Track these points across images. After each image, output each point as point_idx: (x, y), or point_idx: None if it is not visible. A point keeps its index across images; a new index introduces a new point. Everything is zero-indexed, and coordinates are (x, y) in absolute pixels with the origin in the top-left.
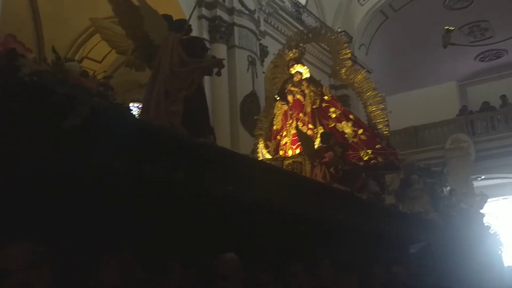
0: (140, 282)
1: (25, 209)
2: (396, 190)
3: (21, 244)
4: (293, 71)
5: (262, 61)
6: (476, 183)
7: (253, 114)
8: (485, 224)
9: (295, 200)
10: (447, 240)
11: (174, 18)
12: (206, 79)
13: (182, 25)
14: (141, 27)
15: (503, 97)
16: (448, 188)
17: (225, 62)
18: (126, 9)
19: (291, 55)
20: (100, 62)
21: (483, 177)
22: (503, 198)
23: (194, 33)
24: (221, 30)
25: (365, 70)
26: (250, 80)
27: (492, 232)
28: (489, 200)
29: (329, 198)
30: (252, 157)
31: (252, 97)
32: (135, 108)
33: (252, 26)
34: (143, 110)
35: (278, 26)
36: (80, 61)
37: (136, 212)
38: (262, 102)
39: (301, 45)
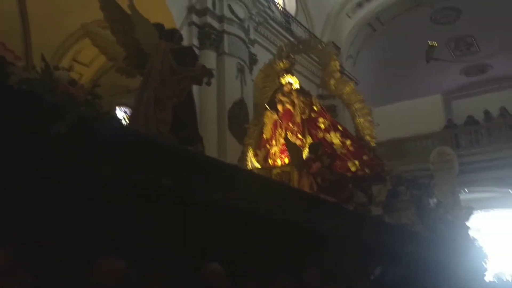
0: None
1: (10, 212)
2: (383, 201)
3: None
4: (283, 81)
5: (251, 69)
6: (461, 196)
7: (241, 122)
8: (471, 237)
9: (281, 209)
10: (434, 253)
11: (165, 25)
12: (195, 85)
13: (173, 34)
14: (132, 34)
15: (486, 112)
16: (435, 200)
17: (214, 69)
18: (118, 17)
19: (281, 65)
20: (88, 66)
21: (466, 190)
22: (485, 211)
23: (184, 39)
24: (211, 38)
25: (352, 81)
26: (239, 87)
27: (477, 244)
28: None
29: (315, 208)
30: (239, 167)
31: (240, 104)
32: (122, 113)
33: (241, 34)
34: (132, 117)
35: (268, 35)
36: (69, 69)
37: (123, 217)
38: (251, 110)
39: (292, 56)
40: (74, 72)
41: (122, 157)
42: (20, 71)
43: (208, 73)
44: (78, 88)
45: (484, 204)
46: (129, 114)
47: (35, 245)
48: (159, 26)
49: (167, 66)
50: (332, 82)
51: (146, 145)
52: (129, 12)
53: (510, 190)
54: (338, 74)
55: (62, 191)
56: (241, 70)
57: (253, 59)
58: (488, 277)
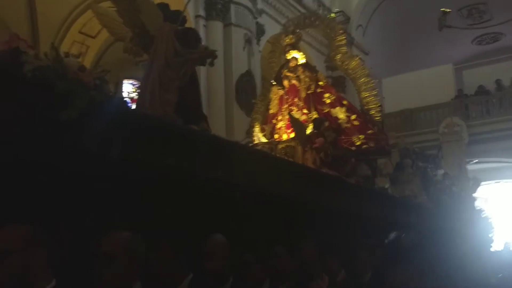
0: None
1: (25, 197)
2: (390, 174)
3: (16, 226)
4: (289, 56)
5: (258, 40)
6: (469, 167)
7: (249, 94)
8: (477, 208)
9: (283, 184)
10: (437, 223)
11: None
12: None
13: (177, 16)
14: (137, 16)
15: (499, 81)
16: (442, 172)
17: (220, 40)
18: None
19: (287, 40)
20: (94, 37)
21: (476, 160)
22: (495, 182)
23: (191, 10)
24: (217, 8)
25: (361, 53)
26: (246, 59)
27: (483, 215)
28: (481, 184)
29: (316, 182)
30: (241, 143)
31: (247, 76)
32: (129, 86)
33: (248, 3)
34: (139, 99)
35: (275, 4)
36: (78, 56)
37: (131, 194)
38: (258, 82)
39: (298, 30)
40: (80, 43)
41: (129, 138)
42: (32, 59)
43: (211, 54)
44: (87, 74)
45: (494, 175)
46: (136, 87)
47: (47, 222)
48: (163, 6)
49: (171, 48)
50: (339, 56)
51: (155, 124)
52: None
53: None
54: (344, 49)
55: (72, 172)
56: (248, 41)
57: (260, 30)
58: (498, 246)
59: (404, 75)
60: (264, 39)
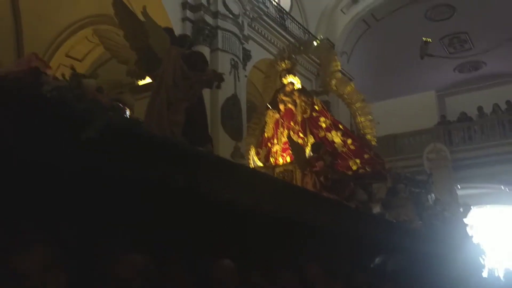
0: (152, 281)
1: (43, 213)
2: (383, 199)
3: (37, 247)
4: (285, 81)
5: (244, 65)
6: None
7: (234, 118)
8: (469, 234)
9: (288, 207)
10: (431, 248)
11: (159, 21)
12: None
13: (184, 40)
14: (144, 40)
15: (480, 108)
16: (433, 197)
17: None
18: (131, 23)
19: (283, 65)
20: (80, 60)
21: (459, 186)
22: (478, 207)
23: (177, 34)
24: (204, 33)
25: (347, 78)
26: (232, 83)
27: (474, 241)
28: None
29: (318, 206)
30: (247, 166)
31: (233, 100)
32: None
33: (236, 30)
34: (145, 120)
35: (262, 31)
36: (96, 77)
37: (143, 216)
38: (244, 106)
39: (293, 56)
40: (66, 67)
41: (145, 157)
42: (51, 79)
43: (219, 77)
44: (105, 95)
45: (477, 200)
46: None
47: (67, 243)
48: (168, 31)
49: (179, 70)
50: (333, 82)
51: (168, 146)
52: (141, 18)
53: (502, 187)
54: (339, 74)
55: (89, 192)
56: (234, 66)
57: (247, 55)
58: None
59: (388, 101)
60: (250, 64)
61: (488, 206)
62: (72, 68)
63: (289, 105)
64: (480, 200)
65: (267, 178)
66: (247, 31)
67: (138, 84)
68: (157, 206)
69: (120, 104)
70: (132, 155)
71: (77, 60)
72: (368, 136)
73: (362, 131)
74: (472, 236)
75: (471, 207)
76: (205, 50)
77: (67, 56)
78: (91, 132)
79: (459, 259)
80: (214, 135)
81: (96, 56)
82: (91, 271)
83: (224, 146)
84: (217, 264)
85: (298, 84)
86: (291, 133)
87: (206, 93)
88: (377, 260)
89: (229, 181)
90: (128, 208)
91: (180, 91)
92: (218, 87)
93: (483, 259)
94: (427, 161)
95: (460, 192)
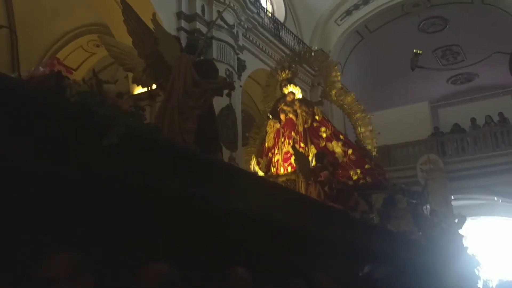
0: None
1: (67, 221)
2: (380, 209)
3: (64, 254)
4: (286, 91)
5: (239, 75)
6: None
7: (229, 128)
8: (464, 245)
9: (296, 216)
10: (429, 260)
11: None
12: None
13: (195, 48)
14: (155, 48)
15: (473, 120)
16: (429, 208)
17: (235, 81)
18: (140, 31)
19: (284, 75)
20: (75, 69)
21: (452, 197)
22: (472, 219)
23: None
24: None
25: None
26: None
27: (470, 253)
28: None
29: (325, 216)
30: (260, 176)
31: (228, 110)
32: None
33: (230, 40)
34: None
35: (257, 41)
36: (115, 82)
37: (159, 224)
38: (239, 116)
39: (294, 66)
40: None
41: (163, 165)
42: (73, 84)
43: (229, 85)
44: (125, 101)
45: (470, 212)
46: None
47: (91, 251)
48: (176, 38)
49: (190, 78)
50: (334, 92)
51: (184, 154)
52: (151, 26)
53: (495, 198)
54: (339, 85)
55: (110, 198)
56: (229, 76)
57: (241, 65)
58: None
59: (381, 112)
60: (245, 74)
61: (482, 217)
62: (93, 72)
63: (290, 115)
64: (474, 212)
65: (279, 188)
66: (242, 41)
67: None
68: (173, 215)
69: (139, 109)
70: (150, 162)
71: (72, 69)
72: (369, 147)
73: (362, 142)
74: (467, 248)
75: (466, 218)
76: None
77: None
78: (113, 138)
79: (454, 270)
80: None
81: (90, 65)
82: (115, 279)
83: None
84: (232, 272)
85: (299, 94)
86: (291, 143)
87: None
88: (365, 268)
89: (240, 189)
90: (146, 217)
91: (191, 99)
92: (229, 95)
93: (478, 271)
94: (421, 172)
95: (453, 203)
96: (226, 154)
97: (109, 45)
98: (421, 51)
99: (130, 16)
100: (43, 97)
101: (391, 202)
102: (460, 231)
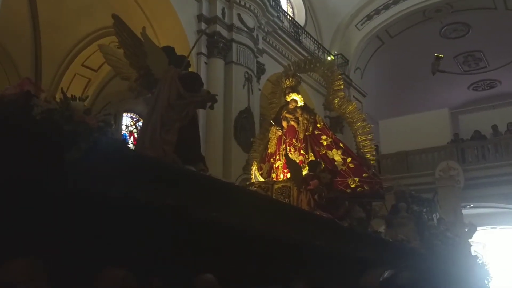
0: None
1: (25, 227)
2: (385, 217)
3: (21, 259)
4: (288, 98)
5: (258, 78)
6: (464, 211)
7: (247, 131)
8: (473, 254)
9: (276, 225)
10: (430, 269)
11: (174, 33)
12: None
13: (181, 61)
14: (143, 60)
15: (495, 127)
16: (437, 216)
17: (221, 77)
18: (131, 43)
19: (287, 83)
20: (96, 70)
21: (471, 205)
22: (491, 228)
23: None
24: (219, 46)
25: (358, 96)
26: (246, 96)
27: (479, 262)
28: (477, 229)
29: (309, 225)
30: (236, 185)
31: (246, 113)
32: (128, 119)
33: (250, 43)
34: (139, 137)
35: (276, 45)
36: (85, 99)
37: (126, 233)
38: (257, 119)
39: (298, 74)
40: (82, 76)
41: (129, 178)
42: (41, 102)
43: (212, 98)
44: (92, 117)
45: (490, 221)
46: (134, 120)
47: (49, 256)
48: (169, 49)
49: (175, 91)
50: (336, 100)
51: (154, 165)
52: (141, 38)
53: None
54: (342, 93)
55: (75, 209)
56: (248, 79)
57: (260, 69)
58: None
59: (400, 117)
60: (264, 78)
61: (501, 226)
62: (62, 90)
63: (292, 122)
64: (494, 220)
65: (256, 196)
66: (261, 44)
67: None
68: (142, 223)
69: (107, 125)
70: (118, 175)
71: (93, 70)
72: (368, 155)
73: (362, 150)
74: (477, 257)
75: (476, 227)
76: (220, 63)
77: (83, 65)
78: (76, 153)
79: (460, 280)
80: (227, 148)
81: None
82: (73, 284)
83: (236, 159)
84: (199, 278)
85: (300, 102)
86: (292, 149)
87: (219, 106)
88: (386, 274)
89: (217, 199)
90: (113, 224)
91: (174, 111)
92: (212, 107)
93: (488, 281)
94: (436, 180)
95: (471, 211)
96: (243, 157)
97: (107, 54)
98: (442, 55)
99: (122, 29)
100: (11, 115)
101: (395, 210)
102: (469, 240)
